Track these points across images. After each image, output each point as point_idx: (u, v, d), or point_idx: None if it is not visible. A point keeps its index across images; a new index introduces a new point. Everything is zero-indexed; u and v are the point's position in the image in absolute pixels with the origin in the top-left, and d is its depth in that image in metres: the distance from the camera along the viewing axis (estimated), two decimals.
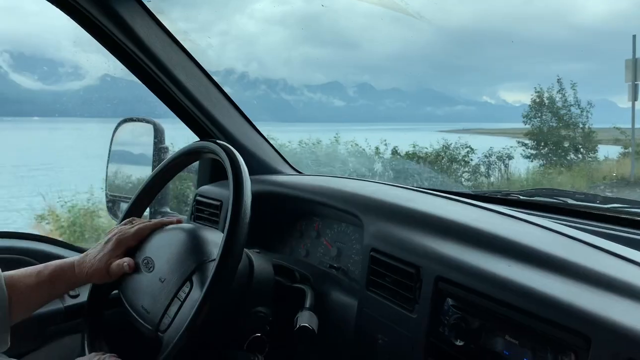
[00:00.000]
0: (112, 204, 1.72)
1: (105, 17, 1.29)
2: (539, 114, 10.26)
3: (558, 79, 9.98)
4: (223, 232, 0.93)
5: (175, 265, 1.02)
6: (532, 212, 1.13)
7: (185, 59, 1.45)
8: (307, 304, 1.06)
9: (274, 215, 1.47)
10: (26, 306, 1.06)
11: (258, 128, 1.67)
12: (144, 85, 1.50)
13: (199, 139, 1.59)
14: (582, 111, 9.83)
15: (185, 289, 0.97)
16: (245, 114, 1.63)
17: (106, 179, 1.74)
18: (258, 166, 1.63)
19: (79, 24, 1.31)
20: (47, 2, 1.25)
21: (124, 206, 1.33)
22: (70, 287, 1.15)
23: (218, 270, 0.89)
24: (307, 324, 0.99)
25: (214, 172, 1.67)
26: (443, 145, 8.36)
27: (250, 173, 1.04)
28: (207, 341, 1.08)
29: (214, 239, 1.07)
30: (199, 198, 1.59)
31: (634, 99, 4.83)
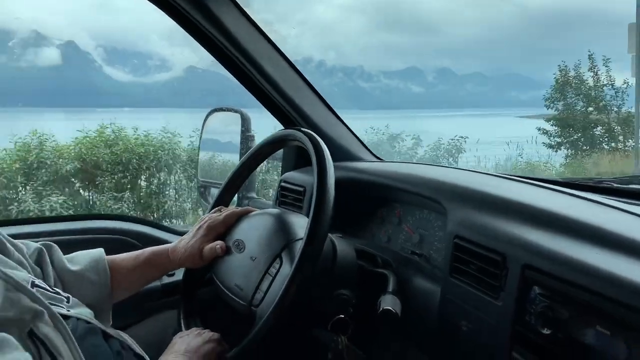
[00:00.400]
0: (204, 189, 1.82)
1: (195, 9, 1.36)
2: (563, 96, 9.07)
3: (589, 54, 8.69)
4: (308, 216, 0.98)
5: (265, 245, 1.08)
6: (626, 200, 1.07)
7: (270, 49, 1.50)
8: (390, 288, 1.08)
9: (356, 202, 1.49)
10: (125, 287, 1.16)
11: (340, 116, 1.70)
12: (226, 77, 1.56)
13: (283, 128, 1.64)
14: (616, 92, 8.70)
15: (276, 265, 1.03)
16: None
17: (198, 166, 1.84)
18: (340, 153, 1.66)
19: (171, 17, 1.39)
20: None
21: (214, 191, 1.41)
22: (164, 272, 1.23)
23: (306, 247, 0.94)
24: (390, 307, 1.01)
25: (298, 159, 1.72)
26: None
27: (333, 160, 1.07)
28: (294, 321, 1.13)
29: (300, 221, 1.12)
30: (283, 184, 1.65)
31: None
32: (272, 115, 1.65)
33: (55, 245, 1.09)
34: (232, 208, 1.27)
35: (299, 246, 0.97)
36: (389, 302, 1.02)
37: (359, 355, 1.27)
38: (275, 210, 1.22)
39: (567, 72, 9.14)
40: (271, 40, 1.50)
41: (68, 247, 1.14)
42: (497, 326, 0.89)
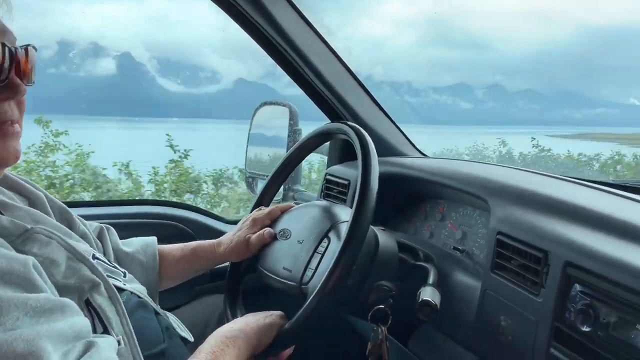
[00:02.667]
0: (252, 179, 1.87)
1: (252, 8, 1.40)
2: None
3: None
4: (352, 206, 1.00)
5: (312, 228, 1.12)
6: None
7: (319, 42, 1.53)
8: (430, 281, 1.09)
9: (400, 197, 1.51)
10: (171, 276, 1.21)
11: (387, 111, 1.71)
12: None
13: (329, 121, 1.67)
14: None
15: (324, 244, 1.07)
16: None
17: (246, 158, 1.90)
18: (385, 148, 1.68)
19: (230, 16, 1.44)
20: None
21: (261, 183, 1.46)
22: (210, 265, 1.25)
23: (352, 227, 0.96)
24: (429, 299, 1.02)
25: (343, 153, 1.75)
26: None
27: (379, 154, 1.09)
28: (336, 310, 1.16)
29: (345, 210, 1.15)
30: (328, 177, 1.68)
31: None
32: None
33: (112, 228, 1.17)
34: (275, 205, 1.30)
35: (345, 226, 1.00)
36: (428, 294, 1.04)
37: (397, 347, 1.29)
38: (320, 202, 1.25)
39: None
40: (320, 34, 1.53)
41: (124, 229, 1.21)
42: (537, 322, 0.90)
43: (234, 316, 1.14)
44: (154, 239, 1.22)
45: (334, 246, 1.05)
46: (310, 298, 0.96)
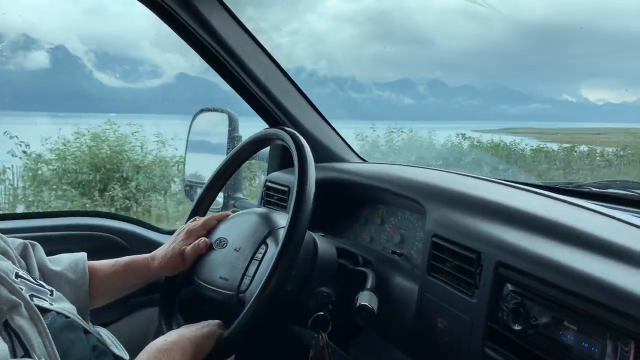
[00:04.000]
0: (190, 188, 1.83)
1: (184, 10, 1.37)
2: None
3: None
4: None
5: (249, 236, 1.09)
6: (604, 204, 1.10)
7: (257, 50, 1.51)
8: (368, 285, 1.09)
9: (340, 202, 1.51)
10: (103, 292, 1.15)
11: (326, 117, 1.71)
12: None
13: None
14: None
15: (261, 250, 1.05)
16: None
17: (184, 165, 1.85)
18: (325, 154, 1.67)
19: (160, 18, 1.40)
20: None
21: (200, 191, 1.42)
22: (144, 280, 1.19)
23: (289, 231, 0.95)
24: (366, 303, 1.02)
25: (283, 159, 1.73)
26: None
27: (317, 160, 1.08)
28: (276, 317, 1.13)
29: (282, 216, 1.13)
30: (268, 184, 1.66)
31: None
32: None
33: (38, 244, 1.10)
34: (210, 215, 1.27)
35: (282, 232, 0.98)
36: (365, 299, 1.03)
37: (338, 353, 1.28)
38: (258, 209, 1.23)
39: None
40: (258, 41, 1.52)
41: (54, 243, 1.15)
42: (472, 323, 0.91)
43: (170, 329, 1.10)
44: (83, 255, 1.15)
45: (272, 252, 1.03)
46: (248, 305, 0.94)
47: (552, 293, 0.77)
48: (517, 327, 0.81)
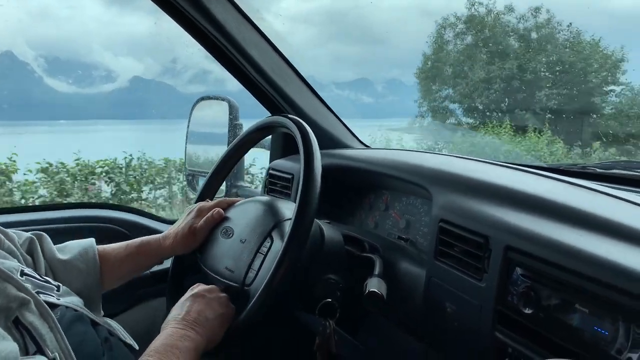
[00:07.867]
0: (192, 177, 1.82)
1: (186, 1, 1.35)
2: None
3: None
4: (296, 201, 0.99)
5: (254, 227, 1.09)
6: (609, 184, 1.10)
7: (258, 37, 1.50)
8: (376, 272, 1.09)
9: (344, 189, 1.50)
10: (116, 276, 1.16)
11: (328, 104, 1.70)
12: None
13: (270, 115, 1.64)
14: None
15: (267, 244, 1.05)
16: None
17: (185, 155, 1.84)
18: (328, 141, 1.67)
19: (159, 6, 1.38)
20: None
21: (202, 180, 1.41)
22: (156, 260, 1.21)
23: (295, 224, 0.95)
24: (376, 289, 1.02)
25: (286, 147, 1.73)
26: None
27: (321, 147, 1.08)
28: (284, 306, 1.14)
29: (288, 206, 1.13)
30: (271, 172, 1.66)
31: None
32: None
33: (45, 234, 1.10)
34: (222, 198, 1.28)
35: (288, 225, 0.99)
36: (374, 285, 1.04)
37: (347, 339, 1.28)
38: (263, 197, 1.23)
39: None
40: (259, 28, 1.50)
41: (58, 235, 1.14)
42: (481, 307, 0.91)
43: None
44: (91, 241, 1.15)
45: (277, 246, 1.03)
46: (257, 295, 0.95)
47: (564, 276, 0.77)
48: (527, 311, 0.81)
